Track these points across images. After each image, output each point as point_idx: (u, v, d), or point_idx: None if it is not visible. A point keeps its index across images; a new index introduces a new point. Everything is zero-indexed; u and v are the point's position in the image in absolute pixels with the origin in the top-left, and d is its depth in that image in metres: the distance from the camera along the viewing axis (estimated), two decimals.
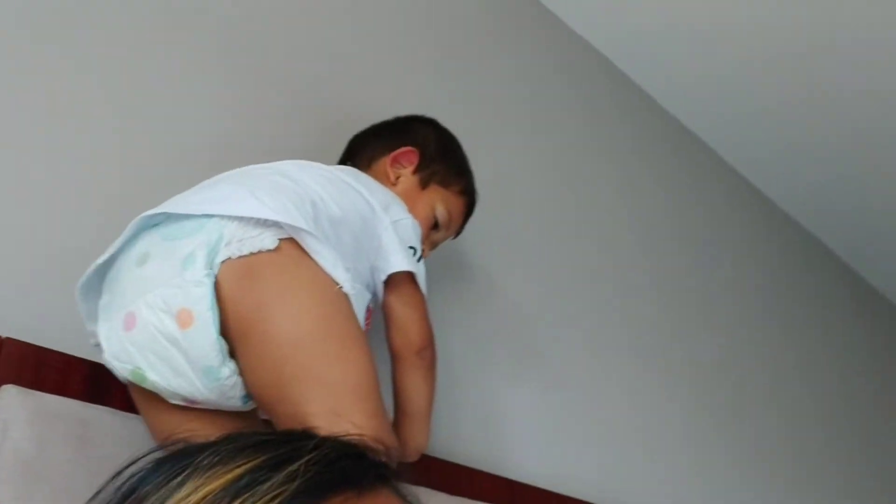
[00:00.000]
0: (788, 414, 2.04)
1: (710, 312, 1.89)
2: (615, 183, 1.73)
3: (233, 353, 0.75)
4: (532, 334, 1.42)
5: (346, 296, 0.78)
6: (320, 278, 0.77)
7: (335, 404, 0.71)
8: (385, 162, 1.04)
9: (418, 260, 0.95)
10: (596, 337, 1.55)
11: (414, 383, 0.94)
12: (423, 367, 0.94)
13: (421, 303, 0.94)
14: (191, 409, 0.78)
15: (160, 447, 0.53)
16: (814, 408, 2.16)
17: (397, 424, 0.95)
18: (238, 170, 0.86)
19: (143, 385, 0.77)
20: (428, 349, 0.95)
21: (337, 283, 0.77)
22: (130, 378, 0.77)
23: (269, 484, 0.46)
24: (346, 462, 0.50)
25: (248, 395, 0.77)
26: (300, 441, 0.50)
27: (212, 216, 0.75)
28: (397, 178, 1.03)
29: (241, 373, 0.75)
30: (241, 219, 0.75)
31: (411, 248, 0.93)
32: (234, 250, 0.74)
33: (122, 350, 0.75)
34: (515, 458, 1.31)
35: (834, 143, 2.11)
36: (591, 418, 1.47)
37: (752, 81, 1.90)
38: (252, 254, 0.74)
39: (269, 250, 0.75)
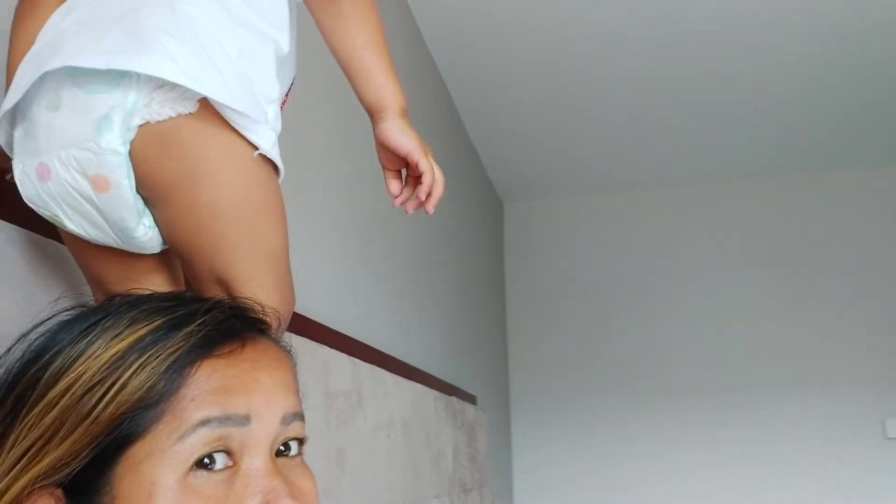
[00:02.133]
0: None
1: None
2: None
3: (147, 203, 0.75)
4: None
5: (265, 161, 0.77)
6: (241, 146, 0.75)
7: (246, 270, 0.74)
8: None
9: None
10: None
11: (341, 30, 0.86)
12: (340, 4, 0.85)
13: None
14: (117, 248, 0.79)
15: (61, 311, 0.59)
16: None
17: (360, 95, 0.88)
18: None
19: (64, 229, 0.77)
20: None
21: (256, 148, 0.76)
22: (50, 221, 0.77)
23: (169, 342, 0.57)
24: (233, 321, 0.61)
25: (165, 242, 0.79)
26: (194, 305, 0.60)
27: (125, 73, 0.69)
28: None
29: (157, 224, 0.77)
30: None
31: None
32: (154, 114, 0.70)
33: (37, 196, 0.74)
34: None
35: None
36: None
37: None
38: (171, 118, 0.71)
39: (188, 114, 0.72)
